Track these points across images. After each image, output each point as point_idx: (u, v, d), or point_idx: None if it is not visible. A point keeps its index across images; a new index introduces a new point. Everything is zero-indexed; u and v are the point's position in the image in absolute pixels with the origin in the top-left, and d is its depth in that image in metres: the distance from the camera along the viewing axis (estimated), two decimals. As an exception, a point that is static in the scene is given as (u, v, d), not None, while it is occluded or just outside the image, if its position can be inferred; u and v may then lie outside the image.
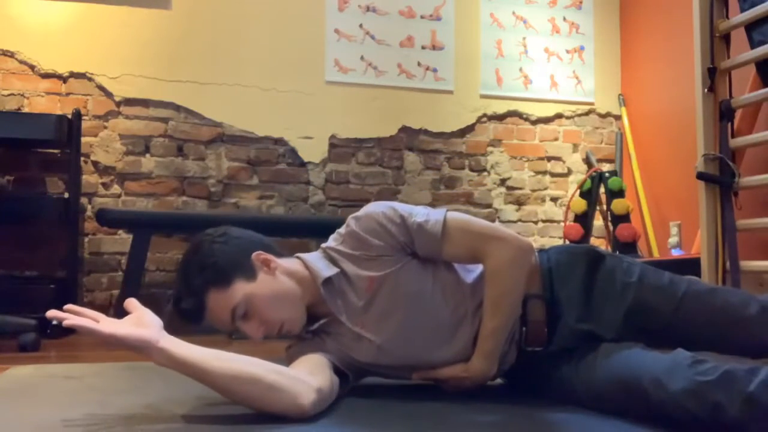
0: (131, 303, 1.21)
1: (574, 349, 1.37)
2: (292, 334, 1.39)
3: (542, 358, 1.40)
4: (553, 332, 1.39)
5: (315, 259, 1.41)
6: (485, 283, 1.35)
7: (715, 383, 1.06)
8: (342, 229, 1.42)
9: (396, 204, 1.40)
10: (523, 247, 1.34)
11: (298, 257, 1.45)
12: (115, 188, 3.30)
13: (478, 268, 1.42)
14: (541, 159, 3.88)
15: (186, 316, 1.34)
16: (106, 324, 1.11)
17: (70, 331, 3.12)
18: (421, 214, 1.37)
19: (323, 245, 1.44)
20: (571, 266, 1.42)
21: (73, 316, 1.10)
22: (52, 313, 1.10)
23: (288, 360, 1.36)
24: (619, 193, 3.39)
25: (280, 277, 1.37)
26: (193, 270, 1.33)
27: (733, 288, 2.24)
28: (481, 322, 1.35)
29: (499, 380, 1.55)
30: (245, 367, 1.15)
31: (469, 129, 3.75)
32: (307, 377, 1.21)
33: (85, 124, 3.22)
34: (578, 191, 3.50)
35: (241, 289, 1.31)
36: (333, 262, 1.40)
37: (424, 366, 1.39)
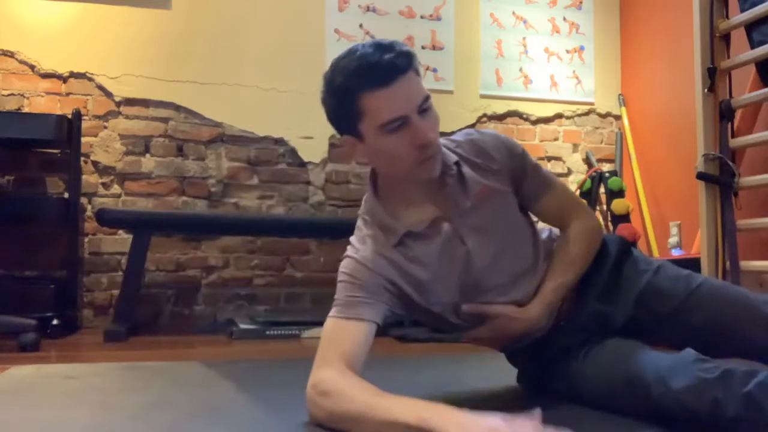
0: None
1: (586, 331, 1.37)
2: (434, 170, 1.26)
3: (555, 340, 1.40)
4: (575, 310, 1.41)
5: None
6: (567, 241, 1.40)
7: (715, 380, 1.06)
8: (456, 136, 1.40)
9: None
10: (601, 228, 1.47)
11: None
12: (115, 188, 3.30)
13: (545, 232, 1.48)
14: (541, 159, 3.88)
15: (384, 69, 1.17)
16: None
17: (70, 330, 3.12)
18: (535, 159, 1.43)
19: None
20: (603, 252, 1.45)
21: None
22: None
23: (340, 293, 1.27)
24: (619, 193, 3.38)
25: None
26: (400, 43, 1.22)
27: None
28: (548, 275, 1.37)
29: (503, 384, 1.55)
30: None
31: (469, 129, 3.75)
32: None
33: (85, 124, 3.22)
34: (578, 191, 3.50)
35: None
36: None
37: (481, 301, 1.35)
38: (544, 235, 1.47)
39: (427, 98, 1.22)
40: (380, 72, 1.17)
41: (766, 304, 1.28)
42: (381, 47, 1.19)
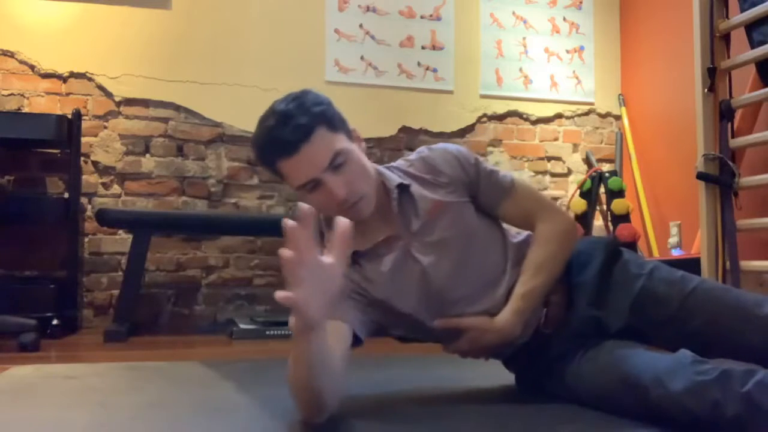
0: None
1: (581, 336, 1.37)
2: (361, 215, 1.30)
3: (550, 346, 1.39)
4: (567, 317, 1.40)
5: (383, 169, 1.40)
6: (533, 245, 1.39)
7: (713, 382, 1.06)
8: (411, 156, 1.44)
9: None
10: (575, 226, 1.44)
11: None
12: (115, 188, 3.30)
13: (521, 236, 1.46)
14: (541, 159, 3.88)
15: (284, 143, 1.23)
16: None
17: (70, 330, 3.12)
18: (491, 166, 1.44)
19: (388, 165, 1.43)
20: (591, 255, 1.44)
21: None
22: None
23: None
24: (619, 193, 3.38)
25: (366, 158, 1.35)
26: (309, 101, 1.25)
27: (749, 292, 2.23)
28: (518, 282, 1.36)
29: (502, 384, 1.55)
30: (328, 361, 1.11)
31: (469, 129, 3.75)
32: (343, 383, 1.19)
33: (85, 124, 3.22)
34: (578, 191, 3.50)
35: (344, 141, 1.29)
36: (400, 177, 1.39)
37: (451, 314, 1.36)
38: (518, 239, 1.46)
39: (338, 154, 1.25)
40: (282, 145, 1.23)
41: (759, 306, 1.28)
42: (284, 117, 1.22)
